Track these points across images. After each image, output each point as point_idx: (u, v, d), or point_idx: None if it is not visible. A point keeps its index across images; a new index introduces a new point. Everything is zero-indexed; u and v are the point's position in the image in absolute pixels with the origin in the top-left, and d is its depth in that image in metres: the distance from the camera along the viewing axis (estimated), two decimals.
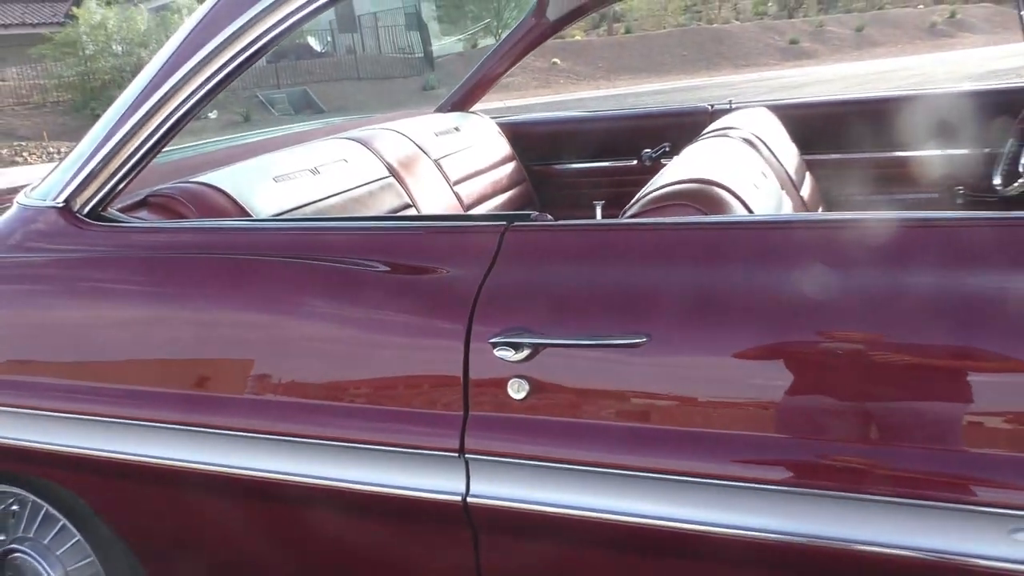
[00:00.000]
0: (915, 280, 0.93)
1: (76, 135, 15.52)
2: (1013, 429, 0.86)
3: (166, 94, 1.34)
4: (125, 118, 1.37)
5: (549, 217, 1.13)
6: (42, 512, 1.55)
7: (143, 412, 1.23)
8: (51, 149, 13.56)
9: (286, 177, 1.70)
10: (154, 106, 1.35)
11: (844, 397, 0.92)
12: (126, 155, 1.37)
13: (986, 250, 0.92)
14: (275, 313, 1.18)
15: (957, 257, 0.92)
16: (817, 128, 2.40)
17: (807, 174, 2.12)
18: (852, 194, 2.42)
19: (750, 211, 1.24)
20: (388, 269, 1.14)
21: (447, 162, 2.24)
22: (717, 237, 1.04)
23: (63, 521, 1.52)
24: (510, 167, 2.56)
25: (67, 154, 1.58)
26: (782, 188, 1.68)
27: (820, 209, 2.06)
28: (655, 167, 2.63)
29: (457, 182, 2.24)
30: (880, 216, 1.00)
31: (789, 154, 2.00)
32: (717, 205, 1.19)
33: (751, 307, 0.96)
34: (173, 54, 1.37)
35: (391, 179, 1.98)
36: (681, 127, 2.59)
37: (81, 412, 1.28)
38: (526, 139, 2.73)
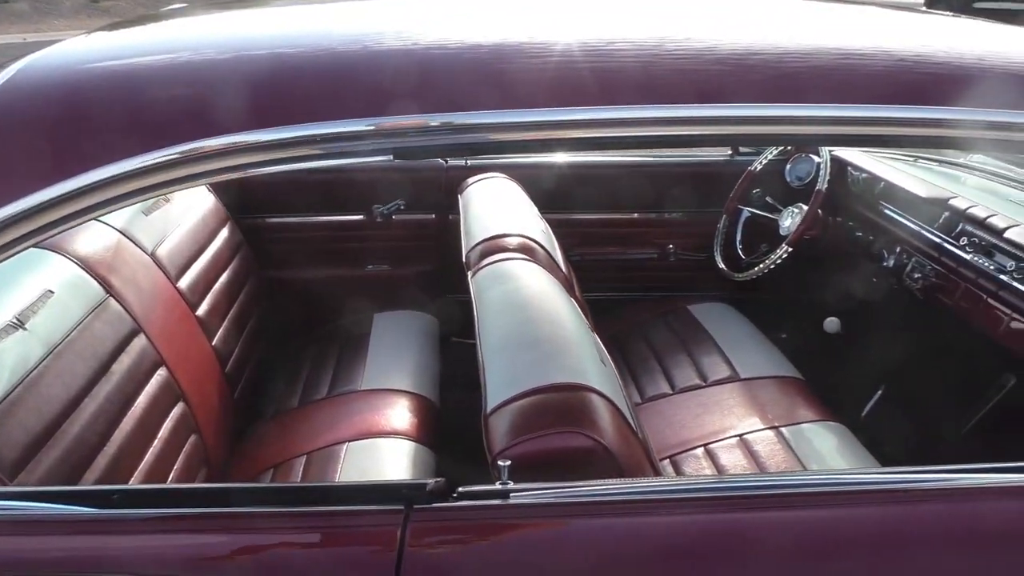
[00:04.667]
0: None
1: None
2: None
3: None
4: None
5: (442, 482, 0.95)
6: None
7: None
8: None
9: None
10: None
11: None
12: None
13: None
14: None
15: None
16: (545, 189, 2.40)
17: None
18: (584, 253, 2.50)
19: (621, 412, 1.18)
20: None
21: (164, 251, 1.83)
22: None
23: None
24: (225, 232, 2.18)
25: None
26: (575, 306, 1.63)
27: (576, 287, 2.07)
28: (387, 224, 2.45)
29: (179, 275, 1.84)
30: None
31: (555, 244, 1.97)
32: (602, 425, 1.10)
33: None
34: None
35: (108, 299, 1.56)
36: (413, 182, 2.44)
37: None
38: (228, 186, 2.34)
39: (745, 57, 0.98)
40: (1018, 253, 1.77)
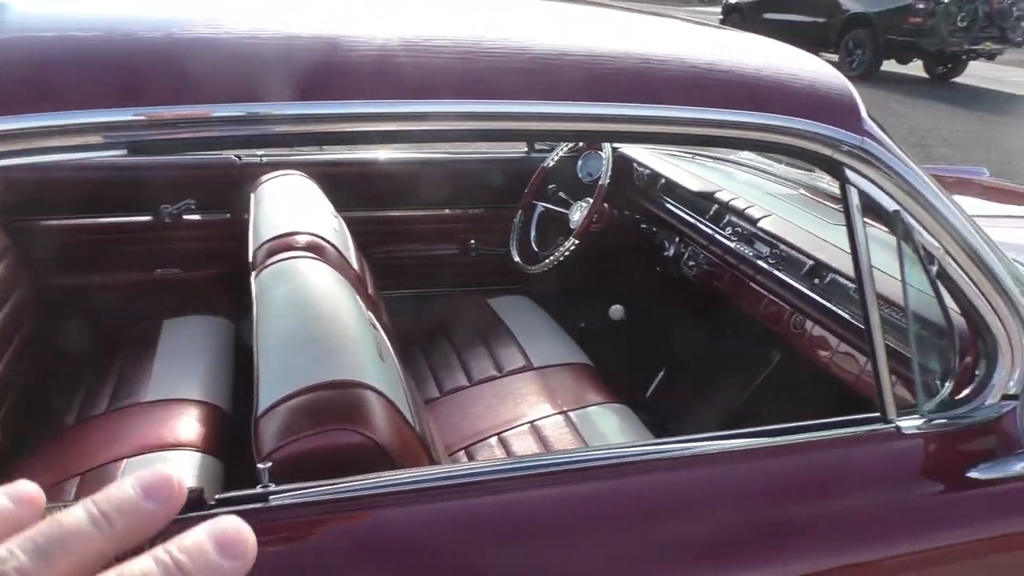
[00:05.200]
0: None
1: None
2: None
3: None
4: None
5: (197, 489, 0.92)
6: None
7: None
8: None
9: None
10: None
11: None
12: None
13: None
14: None
15: None
16: (346, 186, 2.38)
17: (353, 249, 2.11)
18: (388, 251, 2.50)
19: (396, 407, 1.19)
20: None
21: None
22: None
23: None
24: None
25: None
26: (359, 303, 1.63)
27: (370, 285, 2.07)
28: (177, 225, 2.34)
29: None
30: None
31: (348, 242, 1.96)
32: (375, 421, 1.11)
33: None
34: None
35: None
36: (205, 180, 2.34)
37: None
38: None
39: (558, 58, 1.03)
40: (771, 240, 1.96)
